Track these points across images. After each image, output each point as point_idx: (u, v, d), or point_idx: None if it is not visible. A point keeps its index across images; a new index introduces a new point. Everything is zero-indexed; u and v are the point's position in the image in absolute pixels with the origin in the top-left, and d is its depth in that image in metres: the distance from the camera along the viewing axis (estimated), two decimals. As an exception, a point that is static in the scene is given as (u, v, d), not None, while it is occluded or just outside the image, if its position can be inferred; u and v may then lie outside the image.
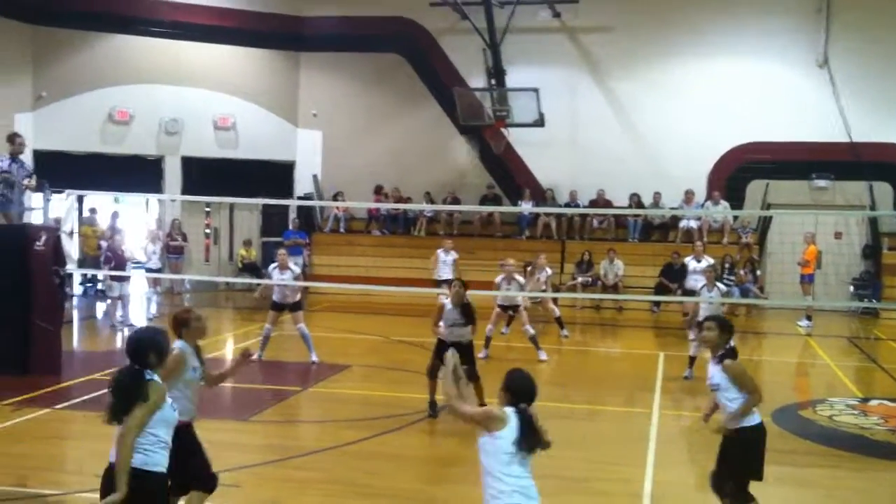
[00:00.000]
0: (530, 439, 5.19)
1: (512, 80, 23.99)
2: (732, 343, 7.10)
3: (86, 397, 11.77)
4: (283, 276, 14.54)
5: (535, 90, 23.09)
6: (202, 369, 6.89)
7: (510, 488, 5.11)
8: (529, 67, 24.43)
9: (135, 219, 24.92)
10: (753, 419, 6.97)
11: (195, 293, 24.46)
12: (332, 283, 22.33)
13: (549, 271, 17.81)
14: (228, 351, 16.60)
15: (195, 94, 24.78)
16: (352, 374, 13.89)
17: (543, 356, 15.17)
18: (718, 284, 14.11)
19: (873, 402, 12.68)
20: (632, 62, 24.69)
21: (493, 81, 24.01)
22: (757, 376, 15.88)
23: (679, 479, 9.49)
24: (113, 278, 17.70)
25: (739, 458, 6.95)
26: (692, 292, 16.43)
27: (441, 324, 11.15)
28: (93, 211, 22.82)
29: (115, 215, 22.52)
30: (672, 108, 24.22)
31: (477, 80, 24.74)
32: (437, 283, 18.67)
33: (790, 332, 19.95)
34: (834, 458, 9.98)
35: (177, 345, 6.61)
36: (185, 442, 6.35)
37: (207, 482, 6.69)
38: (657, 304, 21.72)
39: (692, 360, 13.79)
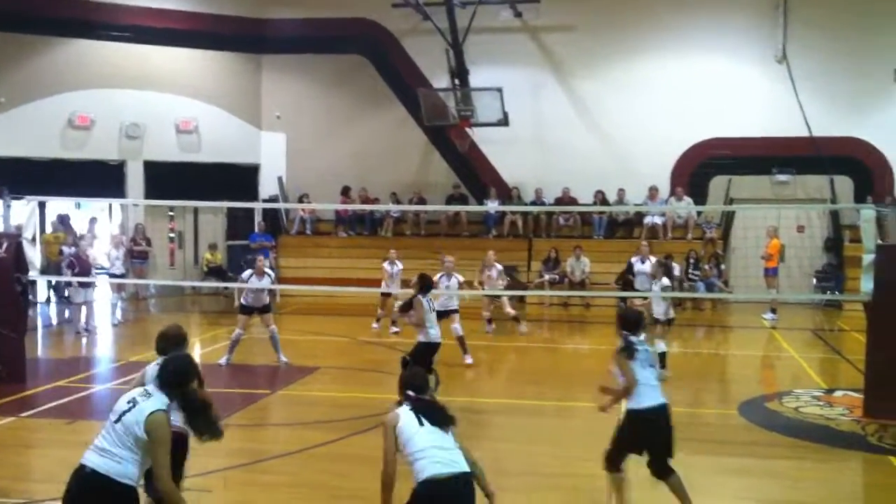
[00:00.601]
0: (428, 415, 5.57)
1: (475, 79, 24.03)
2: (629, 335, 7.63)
3: (51, 405, 11.64)
4: (261, 282, 14.47)
5: (499, 90, 23.14)
6: None
7: (420, 464, 5.40)
8: (492, 67, 24.47)
9: (97, 224, 24.59)
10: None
11: (160, 298, 24.26)
12: (300, 286, 22.24)
13: (500, 267, 17.76)
14: (196, 355, 16.46)
15: (156, 97, 24.55)
16: (320, 376, 13.84)
17: (469, 360, 14.60)
18: (663, 279, 14.11)
19: (838, 393, 12.83)
20: (594, 61, 24.81)
21: (456, 81, 24.03)
22: (723, 370, 16.11)
23: (646, 472, 9.54)
24: (78, 284, 17.50)
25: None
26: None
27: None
28: (65, 218, 22.47)
29: (93, 221, 22.38)
30: (634, 106, 24.37)
31: (440, 80, 24.75)
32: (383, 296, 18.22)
33: (755, 325, 20.14)
34: (800, 449, 10.09)
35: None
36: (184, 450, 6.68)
37: None
38: (624, 299, 21.79)
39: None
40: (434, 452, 5.37)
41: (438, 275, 15.48)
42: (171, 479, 5.26)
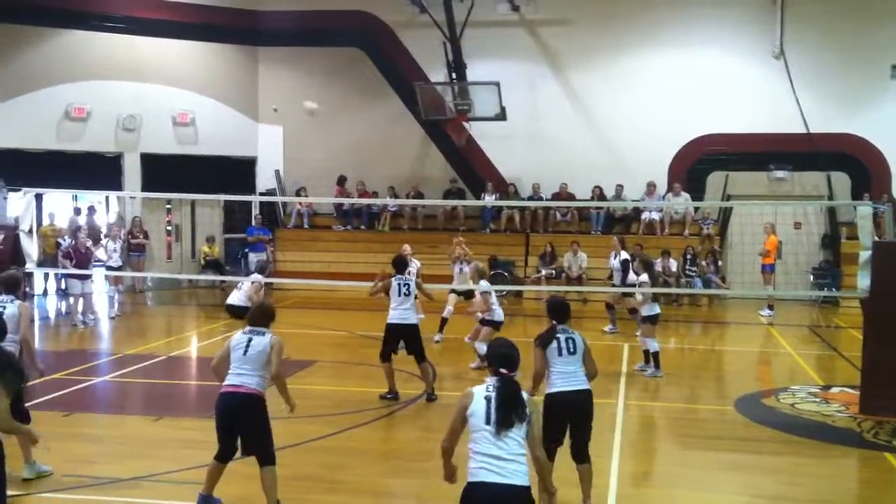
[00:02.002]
0: (500, 411, 5.36)
1: (472, 73, 24.01)
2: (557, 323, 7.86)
3: (48, 397, 11.61)
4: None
5: (496, 84, 23.12)
6: None
7: (475, 465, 5.30)
8: (490, 61, 24.45)
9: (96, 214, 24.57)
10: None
11: (158, 291, 24.23)
12: (297, 280, 22.22)
13: (477, 265, 17.35)
14: (193, 349, 16.47)
15: (153, 89, 24.50)
16: (317, 369, 13.84)
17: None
18: (642, 276, 14.06)
19: (834, 390, 12.86)
20: (591, 55, 24.79)
21: (453, 75, 24.01)
22: (720, 366, 16.13)
23: (645, 467, 9.59)
24: (75, 276, 17.48)
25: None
26: (628, 286, 16.64)
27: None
28: (51, 216, 22.43)
29: (91, 210, 22.40)
30: (632, 101, 24.36)
31: (437, 74, 24.72)
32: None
33: (752, 321, 20.17)
34: (796, 446, 10.12)
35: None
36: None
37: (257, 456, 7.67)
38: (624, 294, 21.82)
39: (648, 354, 13.87)
40: (489, 461, 5.27)
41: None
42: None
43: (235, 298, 15.65)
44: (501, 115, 23.43)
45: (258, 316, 7.81)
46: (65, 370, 13.54)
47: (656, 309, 13.77)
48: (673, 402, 12.50)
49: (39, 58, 23.36)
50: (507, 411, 5.35)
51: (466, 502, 5.29)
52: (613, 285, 17.78)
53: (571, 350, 7.67)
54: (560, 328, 7.78)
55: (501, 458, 5.26)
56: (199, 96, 25.30)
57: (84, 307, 18.08)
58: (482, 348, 13.90)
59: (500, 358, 5.62)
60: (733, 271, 23.13)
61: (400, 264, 12.30)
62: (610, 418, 11.01)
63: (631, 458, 9.60)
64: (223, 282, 23.71)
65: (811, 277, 23.12)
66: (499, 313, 13.85)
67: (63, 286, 21.77)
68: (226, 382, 7.52)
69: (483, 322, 13.81)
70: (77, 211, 23.35)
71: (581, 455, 7.65)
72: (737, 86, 23.88)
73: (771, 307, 20.60)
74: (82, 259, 17.51)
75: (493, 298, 13.83)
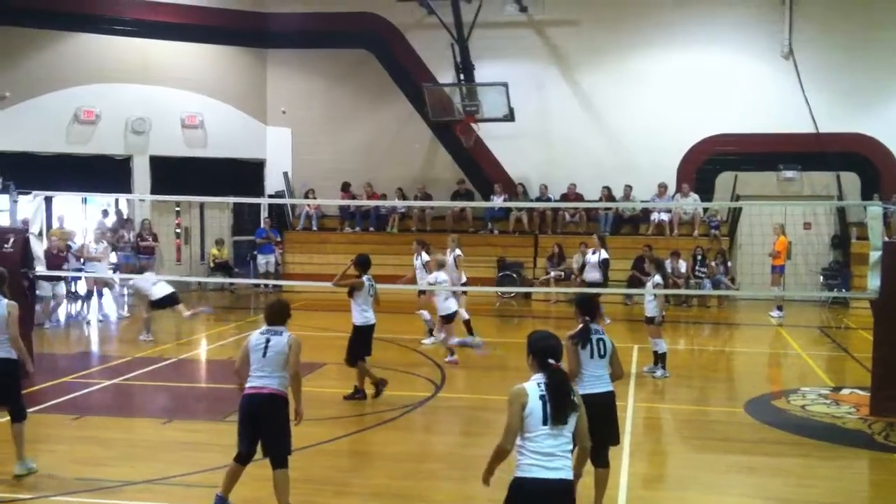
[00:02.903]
0: (555, 405, 5.35)
1: (480, 74, 24.00)
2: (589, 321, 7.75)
3: (58, 400, 11.66)
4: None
5: (505, 85, 23.11)
6: None
7: (527, 461, 5.34)
8: (498, 62, 24.45)
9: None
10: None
11: (166, 293, 24.22)
12: (306, 282, 22.20)
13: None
14: (203, 351, 16.50)
15: (162, 92, 24.56)
16: (326, 372, 13.84)
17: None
18: (655, 277, 13.97)
19: (845, 391, 12.82)
20: (599, 56, 24.76)
21: (461, 76, 24.00)
22: (729, 367, 16.09)
23: (654, 469, 9.56)
24: (44, 278, 17.21)
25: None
26: (592, 284, 16.64)
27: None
28: (60, 218, 22.49)
29: (104, 213, 22.59)
30: (640, 102, 24.32)
31: (445, 75, 24.72)
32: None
33: (762, 322, 20.12)
34: (806, 447, 10.09)
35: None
36: None
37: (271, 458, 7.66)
38: (630, 296, 21.83)
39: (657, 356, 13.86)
40: (541, 458, 5.32)
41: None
42: None
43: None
44: (510, 116, 23.42)
45: (275, 314, 7.77)
46: (74, 373, 13.59)
47: (655, 310, 13.73)
48: (682, 403, 12.48)
49: (49, 61, 23.43)
50: (562, 406, 5.37)
51: (518, 496, 5.33)
52: (584, 282, 17.59)
53: (602, 353, 7.66)
54: (593, 328, 7.71)
55: (553, 454, 5.32)
56: (208, 99, 25.35)
57: (52, 309, 18.13)
58: (450, 340, 14.43)
59: (546, 350, 5.57)
60: (743, 272, 23.07)
61: (365, 264, 12.18)
62: (619, 420, 10.98)
63: (641, 460, 9.58)
64: (232, 284, 23.75)
65: (821, 278, 23.05)
66: (446, 307, 14.33)
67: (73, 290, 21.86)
68: (248, 384, 7.54)
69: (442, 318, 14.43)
70: (105, 213, 23.52)
71: (601, 458, 7.62)
72: (745, 86, 23.82)
73: (780, 308, 20.55)
74: (56, 261, 17.35)
75: (445, 292, 14.33)
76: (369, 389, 11.97)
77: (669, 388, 13.23)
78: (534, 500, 5.32)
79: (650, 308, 13.68)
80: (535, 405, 5.34)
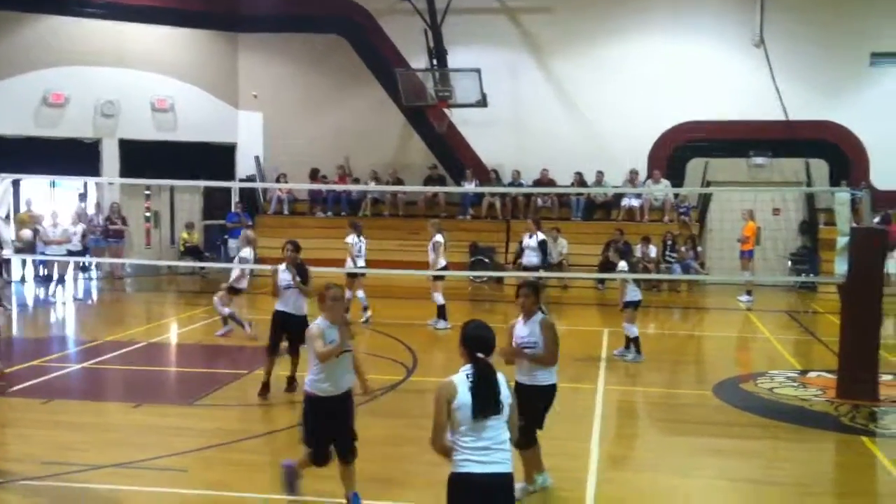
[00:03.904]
0: (483, 398, 5.18)
1: (454, 60, 23.95)
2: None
3: (27, 384, 11.57)
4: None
5: (477, 71, 23.08)
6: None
7: (462, 457, 5.18)
8: (471, 48, 24.40)
9: (72, 203, 24.45)
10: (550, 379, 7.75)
11: (137, 277, 24.10)
12: (277, 266, 22.13)
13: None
14: (173, 335, 16.42)
15: (131, 75, 24.29)
16: (303, 355, 13.80)
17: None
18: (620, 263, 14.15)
19: (812, 375, 12.97)
20: (572, 43, 24.79)
21: (434, 62, 23.95)
22: (698, 351, 16.23)
23: (624, 452, 9.64)
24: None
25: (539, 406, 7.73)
26: (528, 268, 16.75)
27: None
28: (28, 202, 22.26)
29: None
30: (612, 88, 24.37)
31: (418, 60, 24.65)
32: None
33: (731, 307, 20.29)
34: (774, 430, 10.21)
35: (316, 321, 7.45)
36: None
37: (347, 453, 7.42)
38: (602, 281, 21.95)
39: (629, 339, 13.95)
40: (475, 452, 5.16)
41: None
42: None
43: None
44: (482, 102, 23.42)
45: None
46: (43, 357, 13.48)
47: (638, 295, 13.83)
48: (652, 387, 12.57)
49: (17, 43, 23.12)
50: (490, 398, 5.20)
51: (455, 493, 5.19)
52: (523, 267, 17.62)
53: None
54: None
55: (488, 447, 5.16)
56: (179, 82, 25.13)
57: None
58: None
59: (477, 341, 5.36)
60: (712, 257, 23.24)
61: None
62: (589, 403, 11.08)
63: (610, 442, 9.65)
64: (202, 268, 23.62)
65: (789, 263, 23.27)
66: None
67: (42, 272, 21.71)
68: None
69: None
70: (82, 197, 23.32)
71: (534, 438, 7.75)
72: (717, 73, 23.94)
73: (749, 293, 20.74)
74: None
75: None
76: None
77: (639, 371, 13.33)
78: (472, 496, 5.16)
79: (629, 293, 13.72)
80: (464, 398, 5.14)
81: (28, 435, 9.56)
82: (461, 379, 5.22)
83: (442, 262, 16.54)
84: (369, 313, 16.58)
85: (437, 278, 16.43)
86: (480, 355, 5.29)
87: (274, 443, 9.50)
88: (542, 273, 16.57)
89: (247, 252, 15.21)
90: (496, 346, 5.48)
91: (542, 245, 17.27)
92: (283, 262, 11.51)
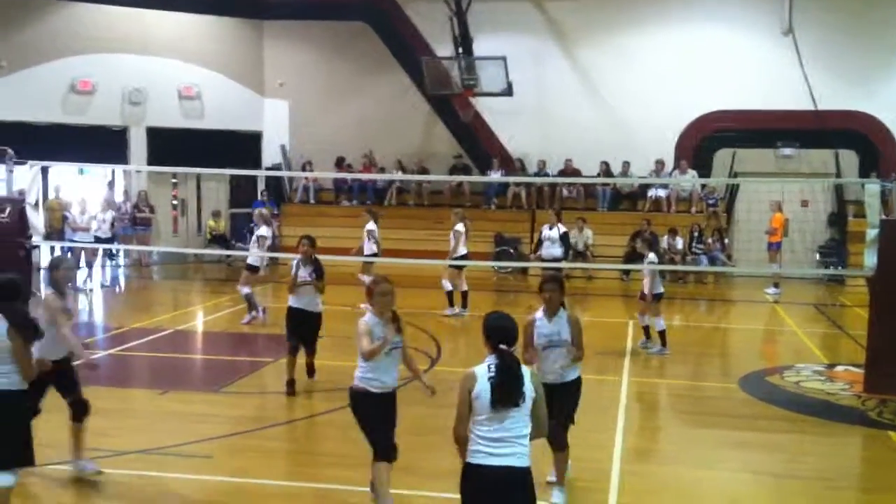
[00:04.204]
0: (504, 391, 5.17)
1: (479, 48, 23.85)
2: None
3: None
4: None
5: (503, 59, 22.99)
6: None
7: (475, 447, 5.19)
8: (497, 35, 24.29)
9: (100, 190, 24.59)
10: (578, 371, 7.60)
11: (163, 265, 24.27)
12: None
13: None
14: (199, 323, 16.52)
15: (159, 63, 24.42)
16: (323, 344, 13.78)
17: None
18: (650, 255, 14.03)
19: (839, 368, 12.87)
20: (598, 30, 24.65)
21: (460, 50, 23.85)
22: (724, 344, 16.13)
23: (648, 444, 9.61)
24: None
25: (575, 399, 7.61)
26: (547, 260, 16.66)
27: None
28: (56, 189, 22.44)
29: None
30: (639, 77, 24.21)
31: (444, 48, 24.56)
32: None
33: (758, 299, 20.16)
34: (800, 424, 10.14)
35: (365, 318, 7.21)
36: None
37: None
38: (626, 272, 21.87)
39: (649, 331, 13.92)
40: (489, 443, 5.15)
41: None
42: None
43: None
44: (508, 91, 23.32)
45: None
46: (71, 343, 13.58)
47: (660, 287, 13.76)
48: (677, 379, 12.52)
49: (45, 30, 23.28)
50: (510, 389, 5.17)
51: (466, 484, 5.20)
52: (541, 258, 17.52)
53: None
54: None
55: (503, 439, 5.14)
56: (205, 70, 25.24)
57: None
58: None
59: (499, 332, 5.35)
60: (739, 249, 23.08)
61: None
62: (614, 395, 11.05)
63: (634, 434, 9.62)
64: (229, 256, 23.74)
65: (817, 255, 23.07)
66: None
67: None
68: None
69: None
70: (111, 185, 23.50)
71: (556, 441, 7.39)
72: (745, 62, 23.71)
73: (777, 285, 20.58)
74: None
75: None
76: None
77: (664, 363, 13.28)
78: (482, 487, 5.15)
79: (657, 285, 13.63)
80: (482, 388, 5.14)
81: (54, 420, 9.63)
82: (483, 370, 5.23)
83: (462, 251, 16.55)
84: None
85: (454, 266, 16.46)
86: (503, 346, 5.27)
87: (296, 431, 9.55)
88: (565, 264, 16.52)
89: (264, 230, 15.31)
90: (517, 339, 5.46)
91: (565, 237, 17.21)
92: (299, 256, 11.41)
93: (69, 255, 21.01)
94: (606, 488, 7.87)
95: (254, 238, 15.90)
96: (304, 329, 11.08)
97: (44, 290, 8.28)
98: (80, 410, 7.90)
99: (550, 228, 17.23)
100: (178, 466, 8.23)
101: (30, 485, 7.65)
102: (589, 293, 20.81)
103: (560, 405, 7.14)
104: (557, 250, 16.89)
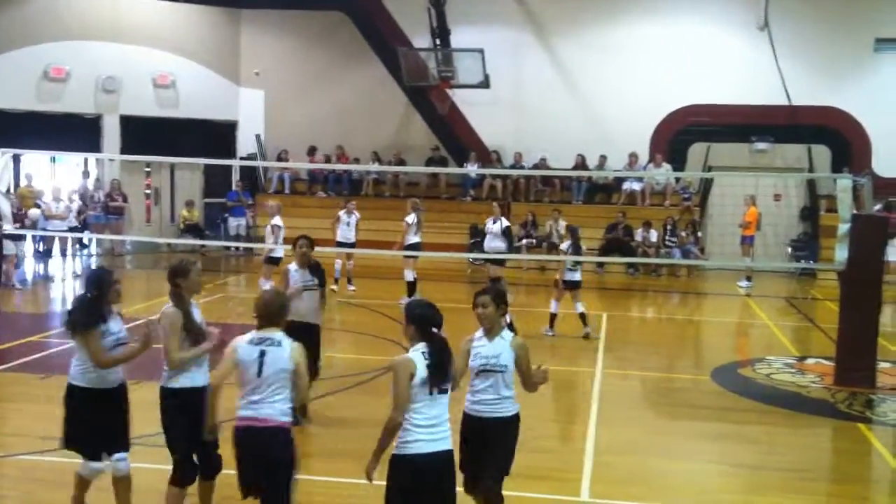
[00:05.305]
0: (438, 375, 5.25)
1: (457, 40, 23.83)
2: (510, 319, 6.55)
3: (24, 360, 11.58)
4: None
5: (481, 51, 22.98)
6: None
7: (411, 437, 5.23)
8: (474, 28, 24.28)
9: (72, 178, 24.40)
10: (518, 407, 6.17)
11: (136, 255, 24.10)
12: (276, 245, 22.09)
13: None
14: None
15: (133, 51, 24.18)
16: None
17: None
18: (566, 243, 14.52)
19: (810, 361, 12.99)
20: (576, 23, 24.68)
21: (437, 42, 23.81)
22: (697, 336, 16.23)
23: (621, 435, 9.65)
24: (8, 237, 17.07)
25: (511, 445, 6.09)
26: (490, 253, 16.77)
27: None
28: (28, 176, 22.20)
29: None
30: (615, 70, 24.27)
31: (421, 39, 24.51)
32: (338, 246, 17.74)
33: (730, 292, 20.30)
34: (771, 415, 10.23)
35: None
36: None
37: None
38: (601, 264, 21.95)
39: (553, 317, 14.19)
40: (427, 430, 5.21)
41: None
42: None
43: None
44: (485, 83, 23.32)
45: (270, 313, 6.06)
46: (41, 333, 13.49)
47: (577, 276, 13.98)
48: (650, 371, 12.60)
49: (19, 17, 22.99)
50: (446, 373, 5.30)
51: (402, 475, 5.18)
52: (481, 251, 17.57)
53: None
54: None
55: (437, 424, 5.26)
56: (180, 58, 25.04)
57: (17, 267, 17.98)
58: None
59: (426, 318, 5.39)
60: (712, 242, 23.23)
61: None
62: (587, 387, 11.10)
63: (608, 426, 9.67)
64: (202, 246, 23.60)
65: (789, 249, 23.25)
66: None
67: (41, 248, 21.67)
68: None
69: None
70: (86, 174, 23.27)
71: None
72: (720, 57, 23.84)
73: (749, 278, 20.74)
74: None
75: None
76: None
77: (637, 355, 13.37)
78: (420, 475, 5.17)
79: (565, 274, 13.96)
80: (422, 375, 5.20)
81: (26, 410, 9.58)
82: (418, 356, 5.27)
83: (412, 240, 16.60)
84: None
85: (407, 256, 16.52)
86: (435, 330, 5.35)
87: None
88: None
89: (278, 220, 15.43)
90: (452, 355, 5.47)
91: (507, 232, 16.93)
92: (295, 260, 9.80)
93: (40, 243, 20.96)
94: (579, 479, 7.91)
95: (268, 228, 15.76)
96: (305, 345, 9.39)
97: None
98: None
99: (494, 222, 17.03)
100: (149, 457, 8.16)
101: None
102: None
103: (493, 452, 5.96)
104: (501, 244, 16.76)
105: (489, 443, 5.93)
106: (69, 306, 6.35)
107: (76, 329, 6.39)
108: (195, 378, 6.42)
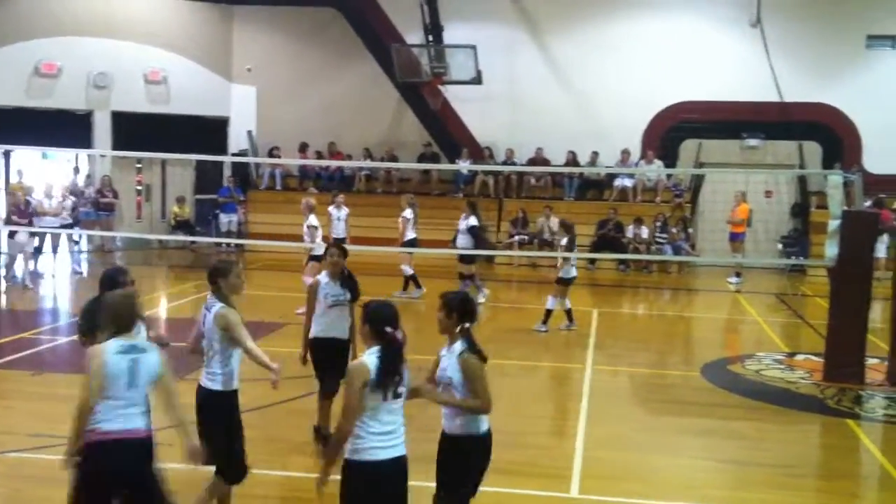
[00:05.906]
0: (391, 379, 5.10)
1: (449, 36, 23.84)
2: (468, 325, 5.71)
3: (17, 356, 11.57)
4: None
5: (473, 47, 22.99)
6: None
7: (367, 444, 5.09)
8: (467, 24, 24.29)
9: (64, 175, 24.32)
10: (480, 426, 5.72)
11: (127, 251, 24.05)
12: (269, 241, 22.12)
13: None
14: (163, 310, 16.41)
15: (125, 46, 24.12)
16: (287, 331, 13.81)
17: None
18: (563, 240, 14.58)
19: (799, 357, 13.04)
20: (569, 20, 24.69)
21: (430, 38, 23.83)
22: (687, 332, 16.26)
23: (611, 431, 9.68)
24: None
25: (447, 466, 5.68)
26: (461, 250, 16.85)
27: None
28: (19, 173, 22.15)
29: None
30: (608, 67, 24.30)
31: (414, 36, 24.51)
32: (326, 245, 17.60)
33: (720, 288, 20.35)
34: (761, 412, 10.27)
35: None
36: None
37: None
38: (592, 261, 21.99)
39: (570, 313, 14.24)
40: (380, 438, 5.07)
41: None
42: None
43: None
44: (477, 79, 23.33)
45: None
46: (32, 329, 13.47)
47: (573, 272, 14.10)
48: (640, 367, 12.63)
49: (10, 12, 22.92)
50: (395, 375, 5.12)
51: (358, 484, 5.03)
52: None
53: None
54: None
55: (392, 431, 5.12)
56: (172, 54, 24.97)
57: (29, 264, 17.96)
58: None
59: (382, 317, 5.18)
60: (703, 238, 23.28)
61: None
62: (578, 382, 11.12)
63: (598, 422, 9.69)
64: (193, 242, 23.58)
65: (780, 246, 23.30)
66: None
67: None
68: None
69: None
70: (76, 171, 23.20)
71: None
72: (713, 53, 23.89)
73: (739, 274, 20.79)
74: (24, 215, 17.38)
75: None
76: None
77: (627, 352, 13.40)
78: (377, 483, 5.04)
79: (562, 270, 14.08)
80: (376, 380, 5.03)
81: (16, 407, 9.57)
82: (372, 360, 5.11)
83: (410, 235, 16.69)
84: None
85: (405, 251, 16.76)
86: (389, 329, 5.15)
87: (262, 418, 9.50)
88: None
89: (313, 219, 15.43)
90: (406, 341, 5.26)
91: (472, 231, 16.63)
92: (326, 270, 8.91)
93: (34, 238, 20.89)
94: (570, 475, 7.93)
95: (306, 229, 15.72)
96: (333, 362, 8.43)
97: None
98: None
99: (464, 219, 16.98)
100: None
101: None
102: (552, 281, 20.85)
103: (462, 466, 5.65)
104: (468, 242, 16.66)
105: (450, 462, 5.65)
106: (79, 311, 6.34)
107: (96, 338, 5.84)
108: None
